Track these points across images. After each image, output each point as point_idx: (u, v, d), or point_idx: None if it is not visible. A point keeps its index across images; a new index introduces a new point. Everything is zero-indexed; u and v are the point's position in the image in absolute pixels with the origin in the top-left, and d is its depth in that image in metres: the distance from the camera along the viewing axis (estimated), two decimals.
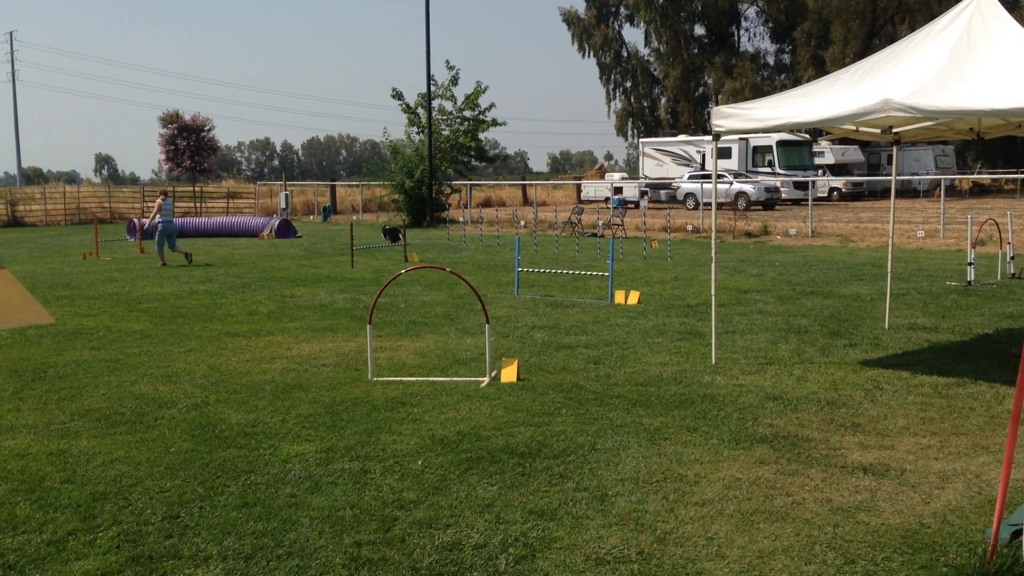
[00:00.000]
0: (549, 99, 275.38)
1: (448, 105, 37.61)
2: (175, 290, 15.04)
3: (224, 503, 5.17)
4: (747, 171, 42.73)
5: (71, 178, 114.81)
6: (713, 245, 9.07)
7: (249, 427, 6.72)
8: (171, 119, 49.82)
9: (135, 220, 28.85)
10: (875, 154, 50.12)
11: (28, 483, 5.53)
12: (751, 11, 65.70)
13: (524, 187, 53.01)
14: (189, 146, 49.09)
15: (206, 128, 50.20)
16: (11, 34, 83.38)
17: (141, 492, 5.35)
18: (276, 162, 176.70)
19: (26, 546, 4.60)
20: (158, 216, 19.79)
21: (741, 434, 6.40)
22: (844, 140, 43.21)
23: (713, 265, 9.10)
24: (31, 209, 41.32)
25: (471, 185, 40.33)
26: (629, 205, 38.50)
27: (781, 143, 42.48)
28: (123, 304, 13.40)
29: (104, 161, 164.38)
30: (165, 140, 49.66)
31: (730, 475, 5.55)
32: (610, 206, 33.74)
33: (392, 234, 24.77)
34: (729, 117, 8.23)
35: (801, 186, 38.78)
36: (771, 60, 66.08)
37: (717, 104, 62.38)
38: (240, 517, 4.96)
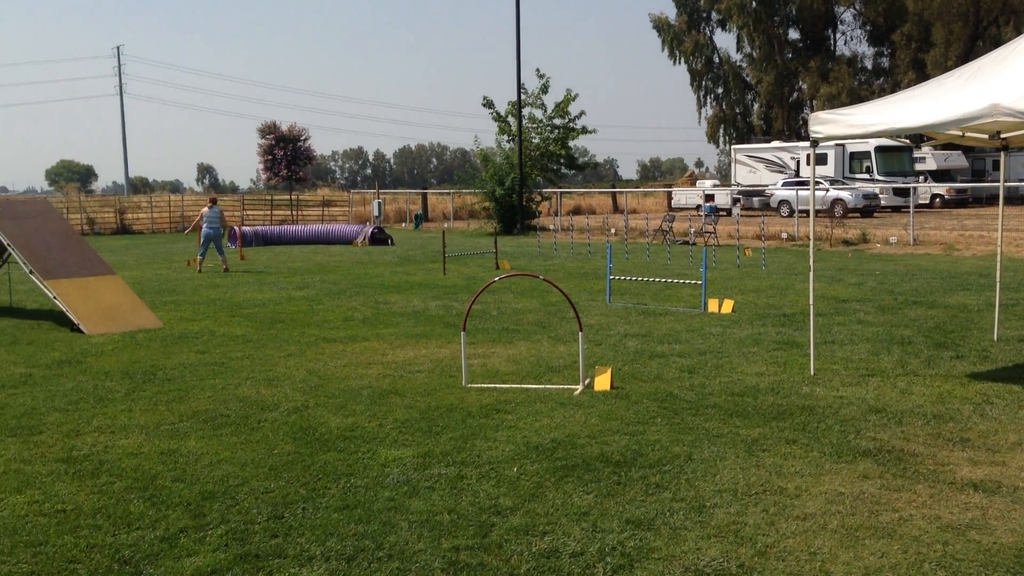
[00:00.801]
0: (639, 106, 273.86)
1: (538, 113, 37.78)
2: (274, 296, 15.44)
3: (326, 505, 5.29)
4: (844, 177, 41.75)
5: (175, 187, 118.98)
6: (811, 253, 8.90)
7: (348, 431, 6.86)
8: (269, 130, 51.16)
9: (235, 228, 29.71)
10: (979, 159, 48.43)
11: (141, 481, 5.75)
12: (848, 14, 64.23)
13: (614, 195, 52.82)
14: (286, 156, 50.34)
15: (302, 138, 51.40)
16: (118, 49, 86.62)
17: (247, 492, 5.52)
18: (368, 170, 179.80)
19: (140, 542, 4.79)
20: (204, 223, 20.52)
21: (843, 447, 6.26)
22: (947, 145, 41.88)
23: (811, 273, 8.92)
24: (138, 217, 42.96)
25: (561, 193, 40.37)
26: (721, 212, 38.02)
27: (880, 148, 41.41)
28: (225, 309, 13.82)
29: (205, 170, 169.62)
30: (263, 150, 51.01)
31: (832, 489, 5.44)
32: (702, 213, 33.37)
33: (377, 239, 25.71)
34: (828, 123, 8.07)
35: (901, 193, 37.71)
36: (869, 64, 64.51)
37: (812, 109, 60.80)
38: (341, 519, 5.07)
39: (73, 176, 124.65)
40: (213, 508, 5.25)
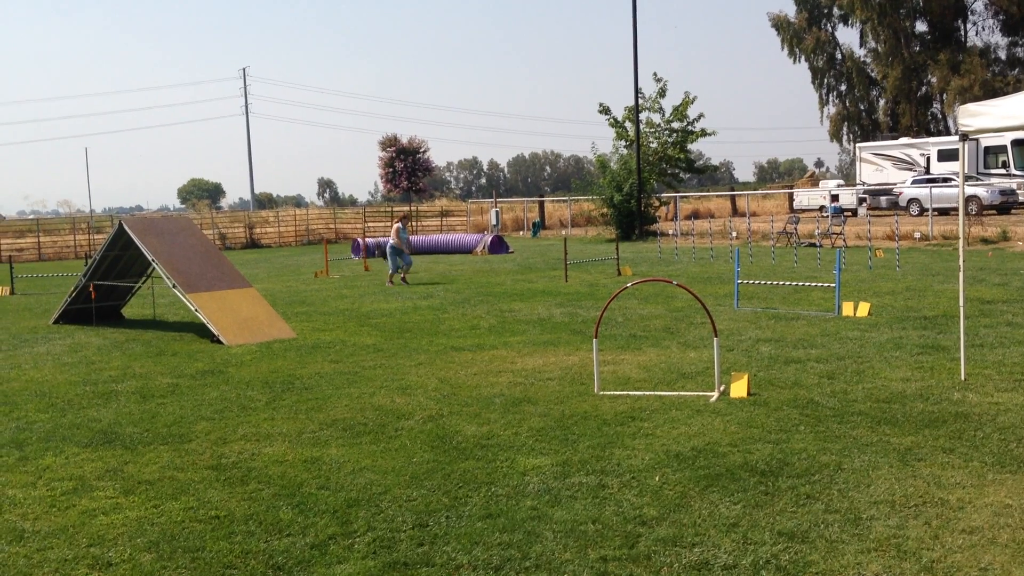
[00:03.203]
0: (755, 106, 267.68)
1: (656, 117, 37.39)
2: (400, 306, 15.68)
3: (469, 513, 5.29)
4: (978, 173, 39.84)
5: (297, 202, 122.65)
6: (961, 251, 8.47)
7: (484, 439, 6.86)
8: (390, 143, 52.22)
9: (358, 240, 30.40)
10: None
11: (288, 488, 5.87)
12: (979, 4, 61.36)
13: (733, 198, 51.83)
14: (406, 167, 51.27)
15: (422, 150, 52.26)
16: (244, 70, 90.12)
17: (390, 500, 5.57)
18: (483, 180, 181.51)
19: (292, 548, 4.88)
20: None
21: (1005, 456, 5.91)
22: None
23: (960, 273, 8.49)
24: (266, 231, 44.47)
25: (679, 197, 39.85)
26: (846, 213, 36.81)
27: (1017, 142, 39.33)
28: (355, 319, 14.10)
29: (326, 185, 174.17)
30: (384, 163, 52.08)
31: (998, 501, 5.13)
32: (828, 214, 32.38)
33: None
34: (978, 115, 7.67)
35: None
36: (1003, 55, 61.39)
37: (943, 104, 58.13)
38: (485, 528, 5.05)
39: (203, 194, 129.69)
40: (359, 516, 5.32)
